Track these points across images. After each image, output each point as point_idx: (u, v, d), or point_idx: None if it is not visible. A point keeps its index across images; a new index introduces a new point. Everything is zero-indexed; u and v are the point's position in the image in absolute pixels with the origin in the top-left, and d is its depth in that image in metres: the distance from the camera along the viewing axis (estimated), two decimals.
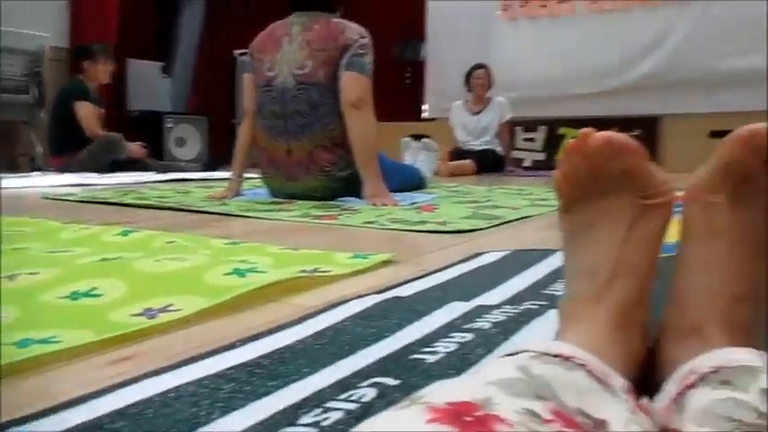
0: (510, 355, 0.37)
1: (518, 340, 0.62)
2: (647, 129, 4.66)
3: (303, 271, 0.96)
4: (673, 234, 0.50)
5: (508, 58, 5.15)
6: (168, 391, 0.50)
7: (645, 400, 0.39)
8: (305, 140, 2.22)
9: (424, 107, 5.96)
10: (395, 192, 2.24)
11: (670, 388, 0.37)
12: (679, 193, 0.49)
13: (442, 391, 0.31)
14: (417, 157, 3.96)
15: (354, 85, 2.14)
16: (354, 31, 2.21)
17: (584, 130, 0.49)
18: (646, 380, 0.44)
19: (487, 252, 1.14)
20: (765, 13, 4.33)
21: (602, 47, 4.89)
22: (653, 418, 0.35)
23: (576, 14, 5.06)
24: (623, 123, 4.73)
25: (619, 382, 0.36)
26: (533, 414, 0.29)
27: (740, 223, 0.45)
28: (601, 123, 4.56)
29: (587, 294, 0.47)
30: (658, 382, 0.40)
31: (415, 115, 5.91)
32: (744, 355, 0.36)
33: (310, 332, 0.66)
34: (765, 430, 0.30)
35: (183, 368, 0.55)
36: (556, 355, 0.35)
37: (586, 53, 4.94)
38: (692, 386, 0.35)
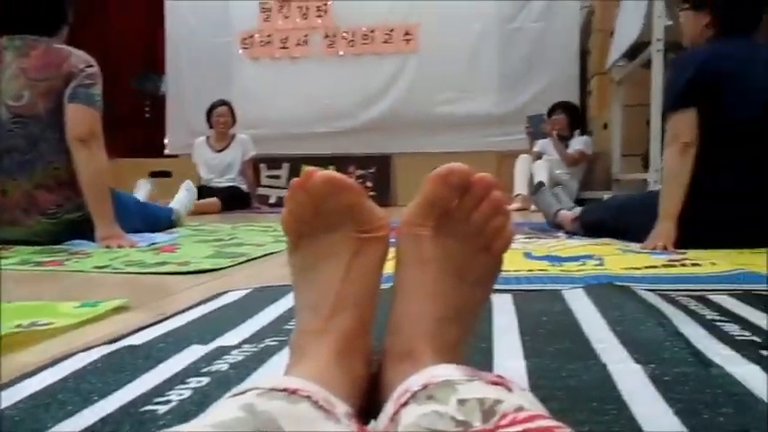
0: (238, 394, 0.37)
1: (256, 378, 0.62)
2: (381, 166, 5.05)
3: (19, 326, 0.86)
4: (392, 265, 0.55)
5: (251, 96, 5.20)
6: None
7: (372, 424, 0.41)
8: (23, 180, 1.98)
9: (166, 142, 5.72)
10: (136, 232, 2.10)
11: (388, 408, 0.39)
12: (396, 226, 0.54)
13: None
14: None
15: (81, 119, 1.96)
16: (80, 59, 2.03)
17: (308, 168, 0.52)
18: (372, 404, 0.47)
19: (230, 291, 1.13)
20: (471, 66, 5.02)
21: (338, 89, 5.19)
22: None
23: (312, 57, 5.31)
24: (360, 161, 5.06)
25: (342, 408, 0.38)
26: None
27: (444, 252, 0.51)
28: (340, 161, 4.76)
29: (312, 327, 0.50)
30: (382, 404, 0.43)
31: (156, 151, 5.64)
32: (446, 371, 0.40)
33: (26, 395, 0.59)
34: None
35: None
36: (282, 390, 0.36)
37: (325, 94, 5.21)
38: (405, 404, 0.38)
